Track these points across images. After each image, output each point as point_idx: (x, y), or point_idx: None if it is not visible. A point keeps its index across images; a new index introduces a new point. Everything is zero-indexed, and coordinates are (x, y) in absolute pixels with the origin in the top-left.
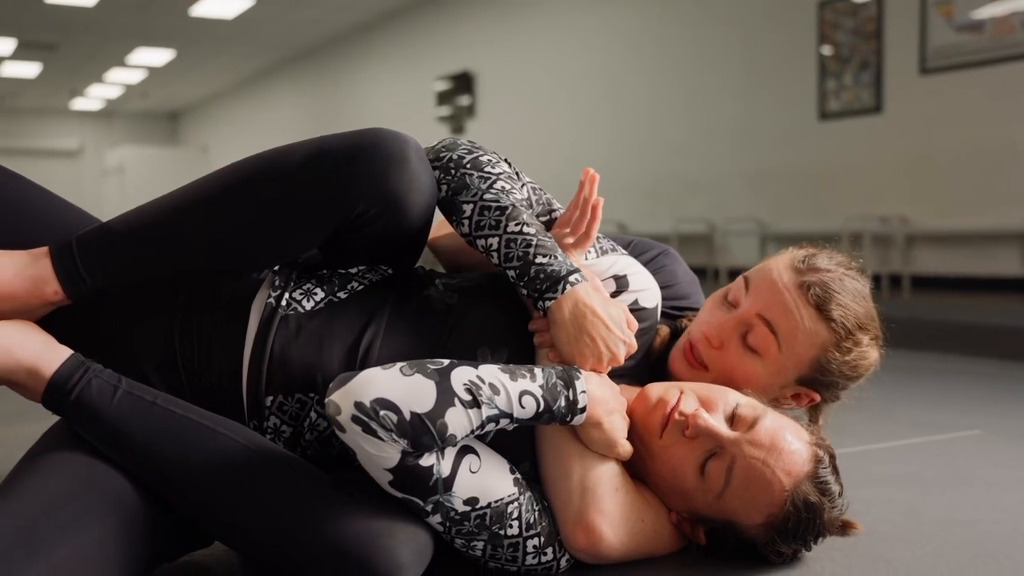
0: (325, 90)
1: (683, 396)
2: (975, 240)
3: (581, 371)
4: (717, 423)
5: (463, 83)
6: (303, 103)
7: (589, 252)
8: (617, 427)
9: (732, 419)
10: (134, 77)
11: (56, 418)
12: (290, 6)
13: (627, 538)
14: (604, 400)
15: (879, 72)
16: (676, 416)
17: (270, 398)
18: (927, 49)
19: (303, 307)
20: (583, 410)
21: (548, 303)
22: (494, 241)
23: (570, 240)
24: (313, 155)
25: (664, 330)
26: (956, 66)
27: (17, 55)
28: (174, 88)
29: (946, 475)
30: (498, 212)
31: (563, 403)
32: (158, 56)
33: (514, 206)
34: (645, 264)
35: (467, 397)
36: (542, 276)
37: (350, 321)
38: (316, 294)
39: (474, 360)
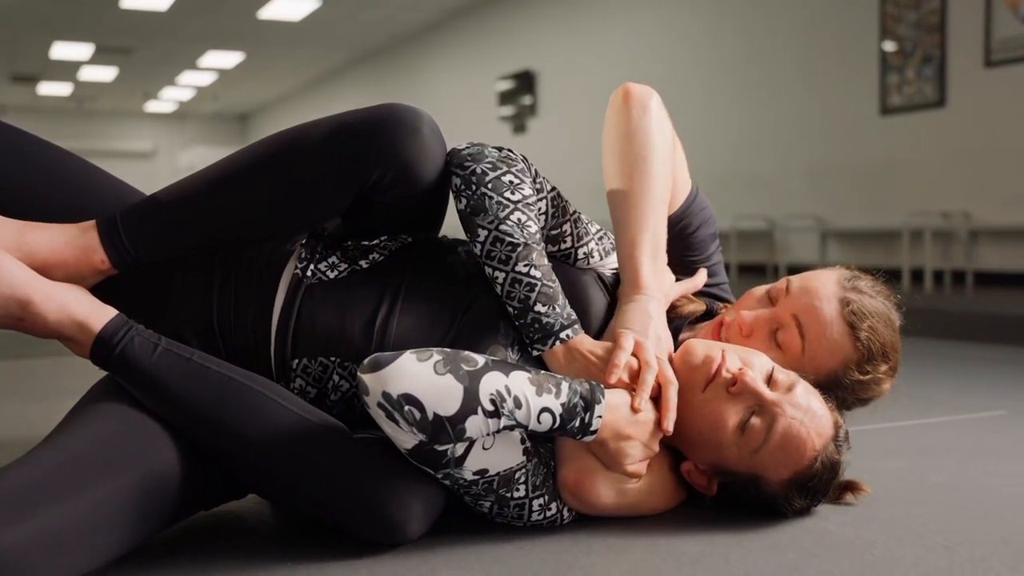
0: (389, 90)
1: (727, 354)
2: None
3: (605, 393)
4: (761, 383)
5: (525, 82)
6: (367, 103)
7: (592, 256)
8: (624, 453)
9: (768, 381)
10: (205, 80)
11: (96, 379)
12: (355, 8)
13: (614, 492)
14: (614, 424)
15: (942, 65)
16: (724, 373)
17: (296, 361)
18: (992, 41)
19: (327, 276)
20: (593, 432)
21: (536, 353)
22: (500, 276)
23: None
24: (336, 127)
25: (700, 305)
26: (1022, 59)
27: (95, 60)
28: (243, 90)
29: (959, 448)
30: (509, 248)
31: (577, 423)
32: (228, 59)
33: (526, 244)
34: None
35: (490, 408)
36: (536, 326)
37: (369, 290)
38: (339, 265)
39: (497, 329)
